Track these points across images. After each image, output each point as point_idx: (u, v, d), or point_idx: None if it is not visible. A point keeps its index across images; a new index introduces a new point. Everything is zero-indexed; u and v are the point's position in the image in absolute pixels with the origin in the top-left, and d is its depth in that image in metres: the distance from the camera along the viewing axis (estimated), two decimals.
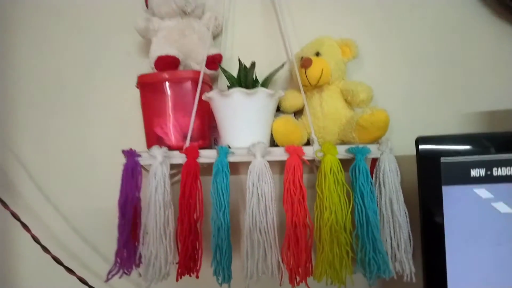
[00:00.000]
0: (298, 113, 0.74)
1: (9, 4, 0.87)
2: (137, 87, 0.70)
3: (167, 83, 0.67)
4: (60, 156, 0.85)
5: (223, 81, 0.78)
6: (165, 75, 0.67)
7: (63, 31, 0.85)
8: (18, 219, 0.75)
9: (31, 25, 0.86)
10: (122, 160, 0.78)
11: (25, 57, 0.86)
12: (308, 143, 0.69)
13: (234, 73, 0.67)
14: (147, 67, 0.80)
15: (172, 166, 0.65)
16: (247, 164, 0.62)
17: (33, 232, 0.76)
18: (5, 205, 0.75)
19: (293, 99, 0.71)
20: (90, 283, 0.76)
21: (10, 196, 0.83)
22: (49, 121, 0.85)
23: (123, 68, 0.83)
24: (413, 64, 0.74)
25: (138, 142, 0.81)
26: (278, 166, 0.73)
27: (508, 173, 0.57)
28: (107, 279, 0.63)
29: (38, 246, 0.76)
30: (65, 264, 0.76)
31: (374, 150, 0.60)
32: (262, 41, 0.79)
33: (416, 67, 0.74)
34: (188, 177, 0.62)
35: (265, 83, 0.67)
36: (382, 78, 0.74)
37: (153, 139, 0.70)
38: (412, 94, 0.73)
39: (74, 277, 0.75)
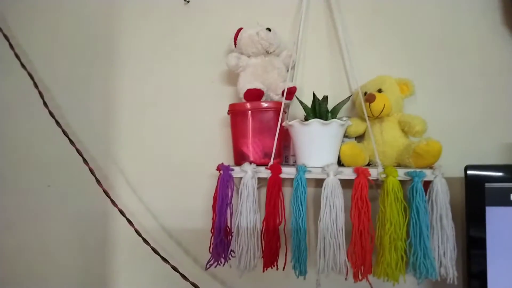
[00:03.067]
0: (358, 138, 0.88)
1: (115, 42, 1.05)
2: (228, 114, 0.86)
3: (254, 111, 0.83)
4: (152, 165, 1.02)
5: (294, 107, 0.93)
6: (254, 105, 0.83)
7: (158, 60, 1.03)
8: (124, 215, 0.93)
9: (133, 57, 1.04)
10: (206, 170, 0.95)
11: (127, 82, 1.04)
12: (368, 164, 0.83)
13: (304, 101, 0.82)
14: (227, 93, 0.98)
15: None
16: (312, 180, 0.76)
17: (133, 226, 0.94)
18: (114, 203, 0.93)
19: (356, 127, 0.85)
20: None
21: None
22: (145, 135, 1.03)
23: (207, 93, 1.00)
24: (461, 99, 0.86)
25: (218, 156, 0.97)
26: (342, 182, 0.86)
27: None
28: (206, 268, 0.79)
29: (130, 238, 0.94)
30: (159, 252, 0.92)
31: (428, 174, 0.73)
32: (327, 75, 0.93)
33: (463, 101, 0.86)
34: (273, 189, 0.77)
35: (334, 113, 0.82)
36: (433, 110, 0.86)
37: (239, 155, 0.85)
38: (460, 125, 0.86)
39: (168, 267, 0.91)
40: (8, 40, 1.02)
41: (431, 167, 0.75)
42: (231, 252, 0.81)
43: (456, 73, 0.87)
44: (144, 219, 1.02)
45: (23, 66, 1.00)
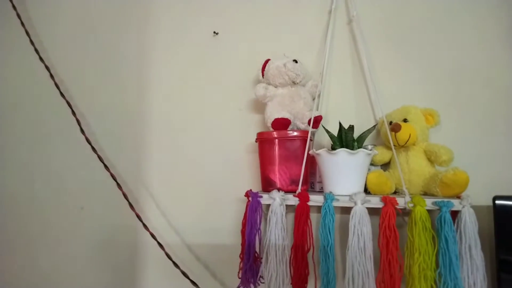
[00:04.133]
0: (384, 166, 0.90)
1: (147, 71, 1.11)
2: (256, 141, 0.90)
3: (280, 140, 0.86)
4: (181, 189, 1.05)
5: (319, 134, 0.96)
6: (281, 134, 0.86)
7: (189, 88, 1.08)
8: (155, 239, 0.96)
9: (164, 85, 1.09)
10: (233, 195, 0.98)
11: (157, 109, 1.09)
12: (394, 192, 0.84)
13: (330, 129, 0.84)
14: (254, 121, 1.01)
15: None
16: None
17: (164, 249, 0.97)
18: (146, 227, 0.96)
19: (382, 155, 0.87)
20: None
21: None
22: (174, 160, 1.07)
23: (235, 120, 1.03)
24: (487, 128, 0.87)
25: (245, 181, 1.00)
26: (368, 209, 0.88)
27: None
28: None
29: (159, 260, 0.96)
30: (188, 276, 0.95)
31: (456, 204, 0.74)
32: (352, 104, 0.96)
33: (489, 130, 0.87)
34: (301, 217, 0.79)
35: (360, 142, 0.84)
36: (459, 139, 0.87)
37: (266, 181, 0.88)
38: (486, 154, 0.87)
39: None
40: (49, 70, 1.09)
41: (458, 197, 0.76)
42: (260, 278, 0.83)
43: (481, 103, 0.88)
44: (172, 242, 1.04)
45: (62, 95, 1.07)
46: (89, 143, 1.02)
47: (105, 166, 1.00)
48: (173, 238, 1.05)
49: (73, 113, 1.05)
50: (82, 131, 1.03)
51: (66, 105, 1.08)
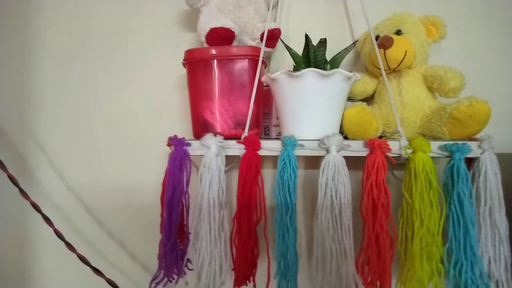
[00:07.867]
0: (365, 101, 0.64)
1: None
2: (184, 65, 0.60)
3: (220, 61, 0.57)
4: (83, 140, 0.76)
5: (276, 60, 0.69)
6: (221, 51, 0.57)
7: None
8: (40, 211, 0.66)
9: None
10: (155, 147, 0.70)
11: (49, 29, 0.76)
12: (380, 137, 0.59)
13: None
14: (186, 42, 0.72)
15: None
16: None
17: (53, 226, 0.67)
18: (25, 195, 0.65)
19: (363, 85, 0.62)
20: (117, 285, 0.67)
21: (27, 184, 0.73)
22: (73, 101, 0.76)
23: (159, 42, 0.74)
24: (495, 48, 0.64)
25: (172, 127, 0.72)
26: (348, 161, 0.63)
27: None
28: None
29: (55, 241, 0.67)
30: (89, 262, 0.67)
31: (474, 148, 0.50)
32: (322, 14, 0.69)
33: (499, 51, 0.64)
34: (248, 172, 0.52)
35: (334, 65, 0.57)
36: (467, 61, 0.63)
37: (200, 125, 0.60)
38: (498, 81, 0.64)
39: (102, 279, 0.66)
40: None
41: (472, 139, 0.53)
42: (188, 263, 0.56)
43: (499, 11, 0.64)
44: (74, 214, 0.75)
45: None
46: None
47: None
48: (74, 208, 0.76)
49: None
50: None
51: None
